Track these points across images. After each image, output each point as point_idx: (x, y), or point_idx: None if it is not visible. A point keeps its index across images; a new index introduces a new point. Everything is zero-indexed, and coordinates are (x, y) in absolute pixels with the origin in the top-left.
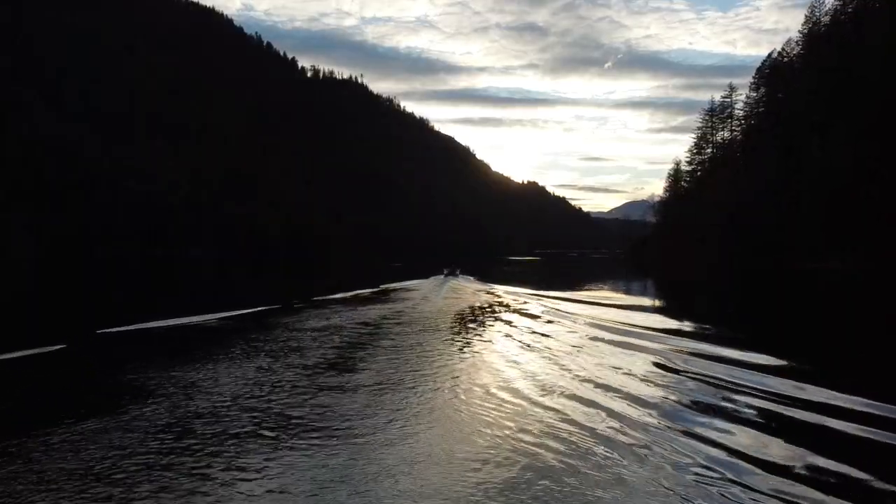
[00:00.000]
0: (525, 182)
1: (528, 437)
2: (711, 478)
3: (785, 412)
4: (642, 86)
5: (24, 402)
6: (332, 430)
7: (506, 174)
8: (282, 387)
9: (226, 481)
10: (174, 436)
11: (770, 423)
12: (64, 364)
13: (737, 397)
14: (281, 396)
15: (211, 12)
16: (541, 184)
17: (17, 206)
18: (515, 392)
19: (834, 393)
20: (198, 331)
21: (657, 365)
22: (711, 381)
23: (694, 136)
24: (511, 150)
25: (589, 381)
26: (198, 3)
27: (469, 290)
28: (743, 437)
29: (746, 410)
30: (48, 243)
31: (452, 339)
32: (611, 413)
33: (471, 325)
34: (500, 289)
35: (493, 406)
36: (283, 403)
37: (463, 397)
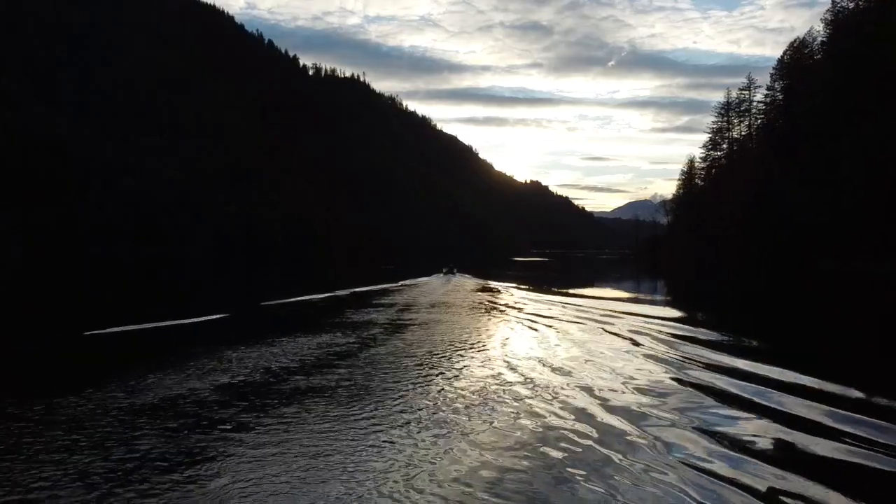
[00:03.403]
0: (527, 181)
1: (532, 438)
2: (720, 478)
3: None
4: (646, 85)
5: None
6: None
7: (508, 173)
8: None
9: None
10: (160, 432)
11: (793, 423)
12: (44, 364)
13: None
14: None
15: (212, 10)
16: (543, 183)
17: (8, 203)
18: (519, 391)
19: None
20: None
21: (685, 365)
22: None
23: (709, 131)
24: (514, 150)
25: (617, 382)
26: (199, 2)
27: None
28: (763, 436)
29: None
30: (41, 241)
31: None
32: (625, 411)
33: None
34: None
35: (497, 404)
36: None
37: (468, 396)
